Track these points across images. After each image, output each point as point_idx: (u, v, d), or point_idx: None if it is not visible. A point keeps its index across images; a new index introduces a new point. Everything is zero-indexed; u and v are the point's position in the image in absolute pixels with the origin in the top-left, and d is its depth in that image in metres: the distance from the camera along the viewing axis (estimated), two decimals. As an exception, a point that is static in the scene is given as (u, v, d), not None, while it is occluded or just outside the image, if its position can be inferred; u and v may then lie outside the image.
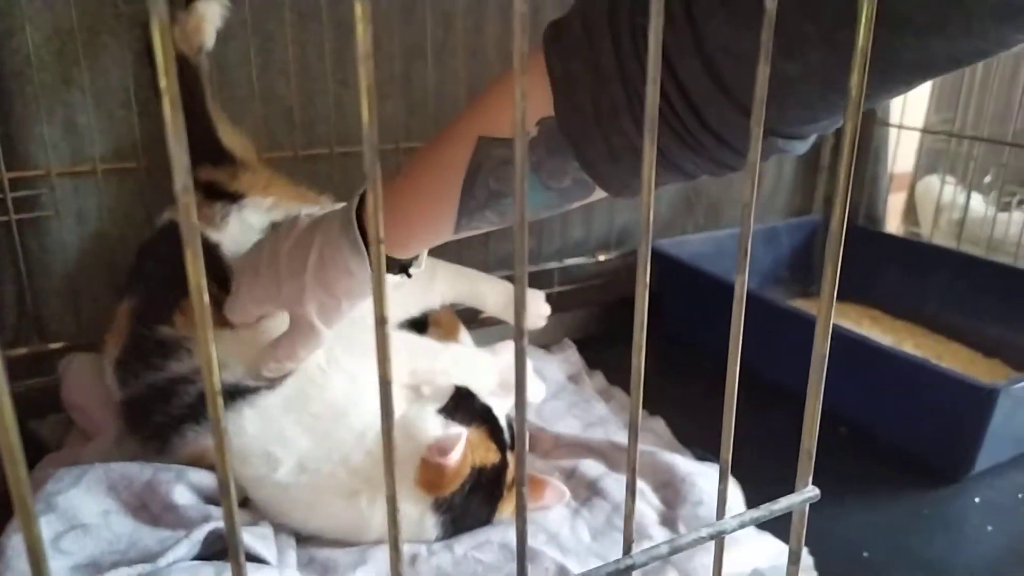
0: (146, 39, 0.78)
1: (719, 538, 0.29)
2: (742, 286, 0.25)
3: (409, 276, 0.62)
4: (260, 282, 0.64)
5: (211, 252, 0.74)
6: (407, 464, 0.64)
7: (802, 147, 0.49)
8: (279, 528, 0.66)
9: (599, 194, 0.52)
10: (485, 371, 0.78)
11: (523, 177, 0.20)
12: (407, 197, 0.57)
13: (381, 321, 0.20)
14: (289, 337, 0.65)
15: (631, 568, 0.26)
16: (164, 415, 0.66)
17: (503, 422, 0.71)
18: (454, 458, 0.63)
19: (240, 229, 0.76)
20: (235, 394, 0.65)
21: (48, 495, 0.64)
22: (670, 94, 0.43)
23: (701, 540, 0.28)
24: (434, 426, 0.66)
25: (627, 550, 0.26)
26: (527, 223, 0.50)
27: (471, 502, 0.66)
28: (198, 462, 0.66)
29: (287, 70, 0.87)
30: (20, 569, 0.56)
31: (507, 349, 0.85)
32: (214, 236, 0.76)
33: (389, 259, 0.59)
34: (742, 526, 0.29)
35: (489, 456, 0.67)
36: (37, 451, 0.75)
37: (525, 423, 0.23)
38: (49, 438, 0.79)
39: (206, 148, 0.81)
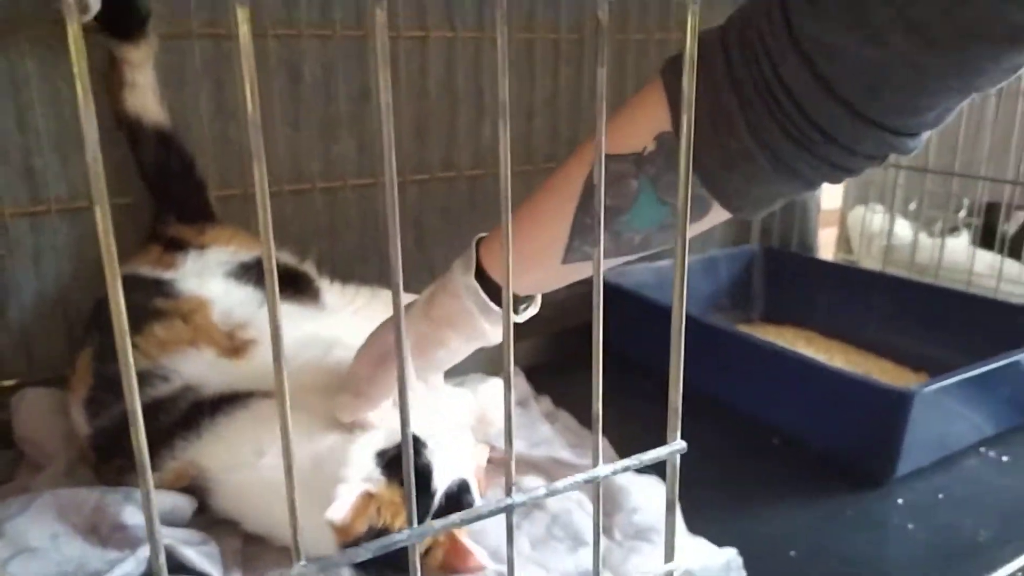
0: (106, 84, 0.83)
1: (595, 482, 0.32)
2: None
3: (517, 314, 0.62)
4: (368, 347, 0.65)
5: (160, 287, 0.79)
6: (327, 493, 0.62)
7: (913, 144, 0.49)
8: (227, 547, 0.68)
9: (715, 216, 0.54)
10: (464, 408, 0.80)
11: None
12: (521, 220, 0.58)
13: (276, 334, 0.24)
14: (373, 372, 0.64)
15: (511, 507, 0.29)
16: (149, 430, 0.68)
17: (441, 484, 0.65)
18: (334, 517, 0.61)
19: (197, 266, 0.81)
20: (233, 400, 0.69)
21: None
22: (777, 93, 0.46)
23: (577, 485, 0.32)
24: (358, 467, 0.64)
25: (508, 492, 0.30)
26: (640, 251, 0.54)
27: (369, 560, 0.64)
28: (185, 472, 0.68)
29: (238, 114, 0.91)
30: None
31: (490, 387, 0.86)
32: (167, 275, 0.81)
33: (495, 294, 0.59)
34: (615, 473, 0.32)
35: (398, 523, 0.63)
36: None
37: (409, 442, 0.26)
38: (1, 471, 0.80)
39: (191, 207, 0.87)
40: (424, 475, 0.64)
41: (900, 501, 0.81)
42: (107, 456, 0.72)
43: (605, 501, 0.77)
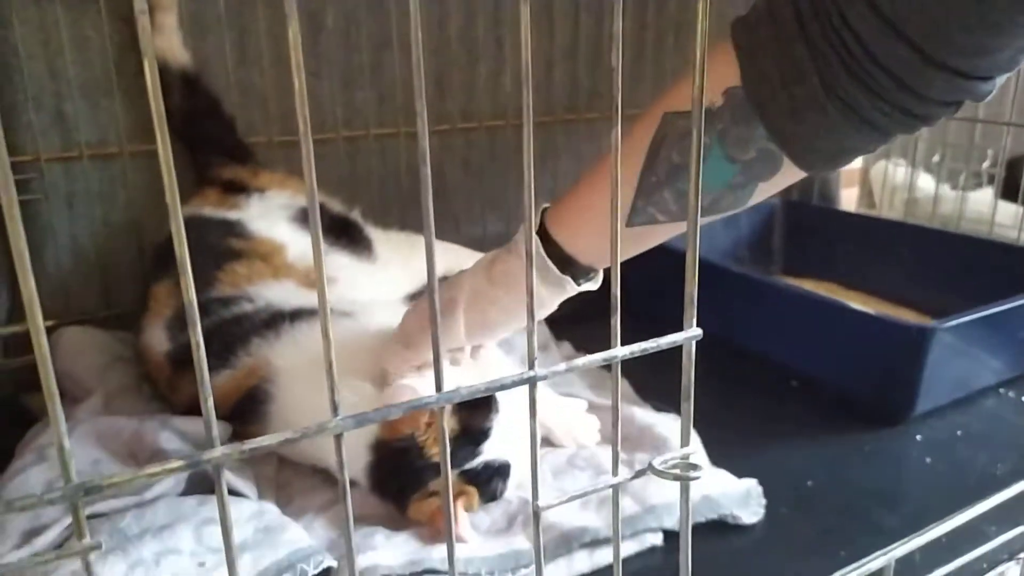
0: (132, 32, 0.85)
1: (614, 362, 0.33)
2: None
3: (577, 285, 0.61)
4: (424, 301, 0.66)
5: (229, 227, 0.83)
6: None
7: (987, 88, 0.48)
8: (260, 473, 0.71)
9: (786, 175, 0.53)
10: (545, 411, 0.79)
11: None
12: (590, 184, 0.58)
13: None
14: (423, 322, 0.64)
15: (534, 379, 0.31)
16: (230, 336, 0.73)
17: (488, 452, 0.66)
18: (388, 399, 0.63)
19: (261, 208, 0.85)
20: (314, 313, 0.73)
21: (41, 447, 0.68)
22: (847, 40, 0.46)
23: (594, 363, 0.33)
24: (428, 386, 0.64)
25: (531, 365, 0.31)
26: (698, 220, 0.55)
27: (391, 466, 0.65)
28: (257, 370, 0.71)
29: (262, 62, 0.93)
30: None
31: (571, 405, 0.82)
32: (233, 215, 0.84)
33: (560, 255, 0.60)
34: (632, 355, 0.34)
35: (434, 450, 0.64)
36: (29, 424, 0.79)
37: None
38: (39, 412, 0.83)
39: (227, 147, 0.91)
40: (479, 431, 0.65)
41: (919, 437, 0.81)
42: (187, 366, 0.75)
43: (627, 441, 0.79)
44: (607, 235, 0.58)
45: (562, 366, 0.32)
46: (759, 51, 0.49)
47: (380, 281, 0.86)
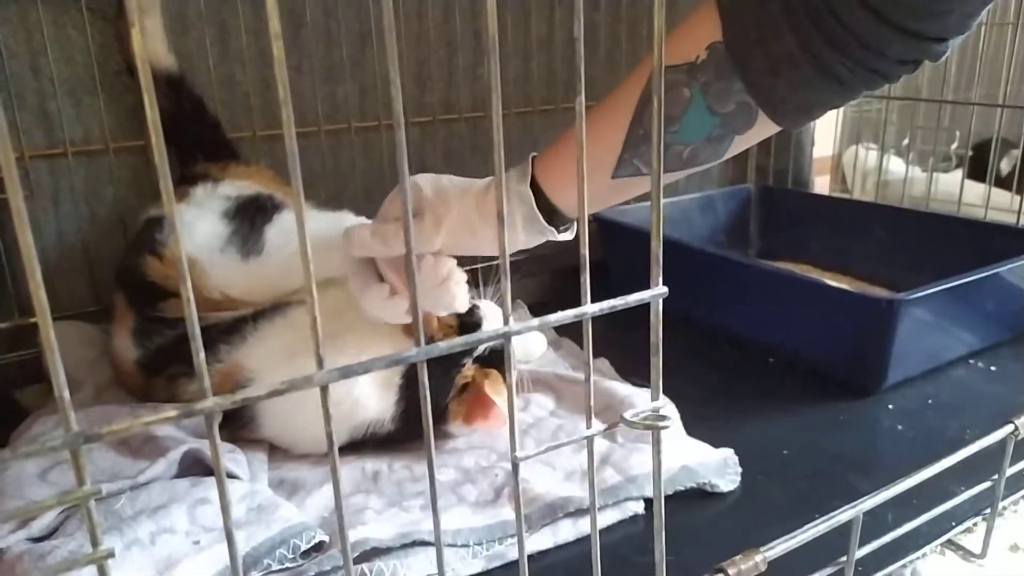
0: (114, 31, 0.86)
1: (584, 318, 0.35)
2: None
3: (560, 232, 0.64)
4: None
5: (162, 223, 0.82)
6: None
7: (940, 49, 0.52)
8: (252, 457, 0.72)
9: (760, 130, 0.57)
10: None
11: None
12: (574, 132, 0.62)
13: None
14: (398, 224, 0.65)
15: (509, 334, 0.33)
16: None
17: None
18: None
19: (202, 195, 0.84)
20: (273, 309, 0.75)
21: (35, 437, 0.70)
22: (815, 2, 0.50)
23: (567, 318, 0.35)
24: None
25: (506, 321, 0.33)
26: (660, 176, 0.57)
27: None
28: (232, 374, 0.72)
29: (243, 57, 0.94)
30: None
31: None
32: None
33: (546, 204, 0.62)
34: (601, 312, 0.36)
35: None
36: (19, 420, 0.80)
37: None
38: (30, 407, 0.84)
39: (213, 146, 0.91)
40: (472, 323, 0.75)
41: (890, 407, 0.84)
42: (161, 366, 0.76)
43: (607, 412, 0.81)
44: (593, 184, 0.60)
45: (535, 321, 0.34)
46: (739, 9, 0.53)
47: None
